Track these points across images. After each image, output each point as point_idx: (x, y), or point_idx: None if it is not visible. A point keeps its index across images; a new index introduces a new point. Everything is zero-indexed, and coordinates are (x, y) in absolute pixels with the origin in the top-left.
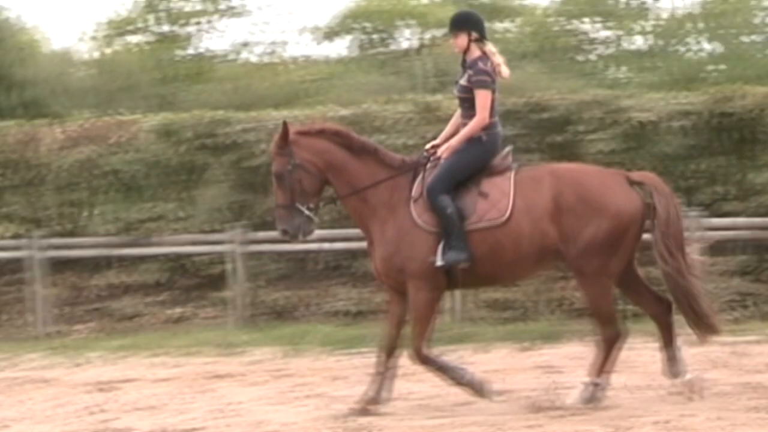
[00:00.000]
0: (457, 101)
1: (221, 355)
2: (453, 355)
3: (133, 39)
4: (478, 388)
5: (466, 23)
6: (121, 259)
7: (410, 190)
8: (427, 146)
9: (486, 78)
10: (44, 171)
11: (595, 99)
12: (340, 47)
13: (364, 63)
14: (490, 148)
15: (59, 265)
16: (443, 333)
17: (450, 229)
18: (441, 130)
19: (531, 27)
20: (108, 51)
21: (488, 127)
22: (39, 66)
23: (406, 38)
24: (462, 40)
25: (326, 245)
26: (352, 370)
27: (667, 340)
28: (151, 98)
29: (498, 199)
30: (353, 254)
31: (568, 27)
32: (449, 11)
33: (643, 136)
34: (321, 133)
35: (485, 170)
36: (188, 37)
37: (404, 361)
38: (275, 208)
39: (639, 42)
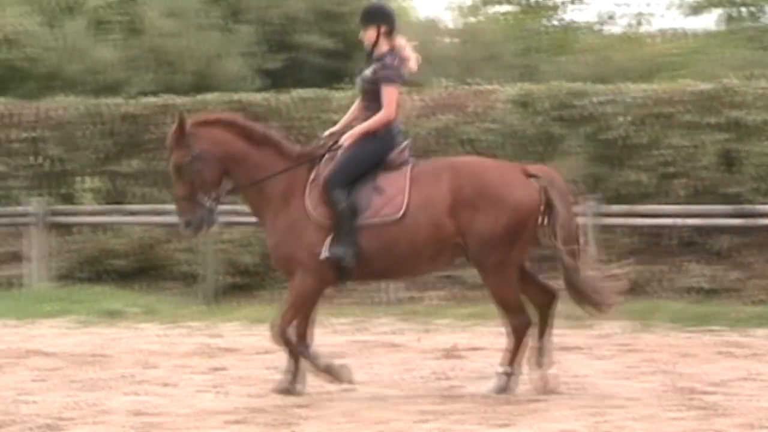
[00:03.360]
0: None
1: (569, 327)
2: None
3: (499, 9)
4: (335, 374)
5: (375, 17)
6: None
7: (306, 180)
8: (325, 134)
9: (393, 74)
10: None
11: None
12: (707, 21)
13: (730, 37)
14: (387, 142)
15: None
16: None
17: (340, 224)
18: None
19: None
20: (473, 20)
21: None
22: (403, 34)
23: None
24: (371, 33)
25: (680, 221)
26: (701, 348)
27: (543, 331)
28: (513, 68)
29: (393, 195)
30: (708, 231)
31: None
32: None
33: None
34: (218, 122)
35: (382, 165)
36: (554, 8)
37: (752, 341)
38: (176, 201)
39: None
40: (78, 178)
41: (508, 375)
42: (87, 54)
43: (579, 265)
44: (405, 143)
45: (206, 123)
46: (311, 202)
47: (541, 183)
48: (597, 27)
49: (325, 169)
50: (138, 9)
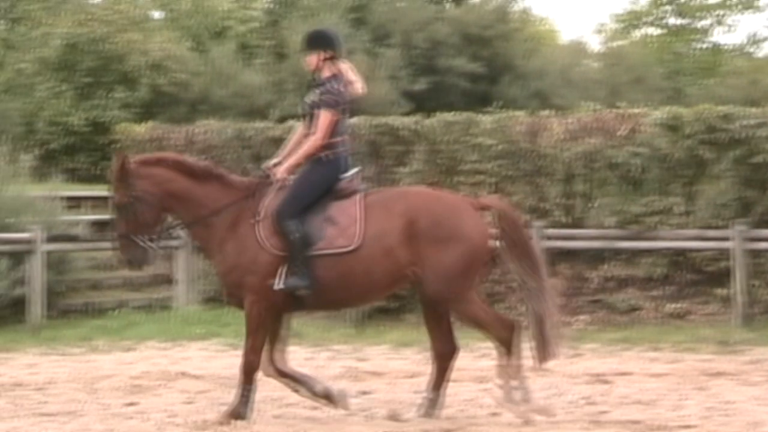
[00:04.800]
0: (305, 118)
1: (718, 352)
2: None
3: (644, 32)
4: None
5: (317, 43)
6: (620, 252)
7: (254, 210)
8: (267, 164)
9: (332, 99)
10: (548, 162)
11: None
12: None
13: None
14: (335, 167)
15: (559, 256)
16: None
17: (294, 254)
18: None
19: None
20: (618, 44)
21: (332, 147)
22: (548, 58)
23: None
24: (312, 59)
25: None
26: None
27: (438, 383)
28: (659, 92)
29: (347, 226)
30: None
31: None
32: None
33: None
34: (160, 162)
35: (332, 193)
36: (701, 31)
37: None
38: (116, 237)
39: None
40: None
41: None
42: (234, 78)
43: (548, 301)
44: (355, 170)
45: (148, 162)
46: (263, 233)
47: (492, 215)
48: (745, 50)
49: (274, 198)
50: (284, 33)
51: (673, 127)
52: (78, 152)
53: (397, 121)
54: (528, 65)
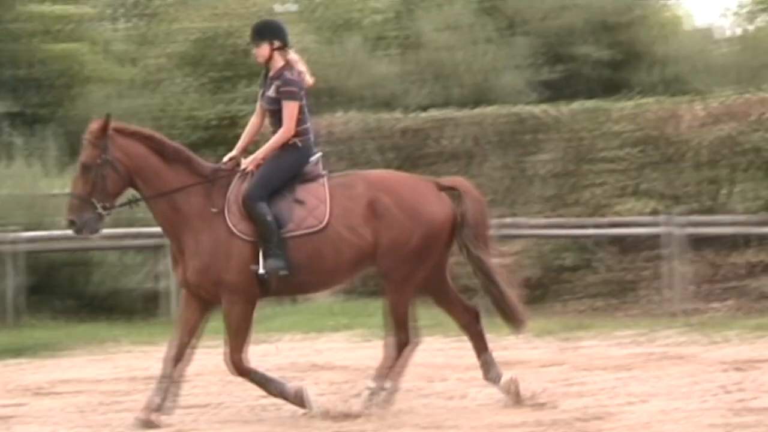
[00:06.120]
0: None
1: None
2: None
3: None
4: (296, 400)
5: (266, 32)
6: (761, 238)
7: (224, 199)
8: (225, 158)
9: (294, 89)
10: (684, 148)
11: None
12: None
13: None
14: (305, 153)
15: (697, 242)
16: None
17: (269, 237)
18: None
19: None
20: (751, 27)
21: (301, 134)
22: (680, 43)
23: None
24: (263, 50)
25: None
26: None
27: (480, 348)
28: None
29: (315, 206)
30: None
31: None
32: None
33: None
34: (135, 135)
35: (298, 177)
36: None
37: None
38: (69, 196)
39: None
40: None
41: (383, 389)
42: (365, 69)
43: (496, 276)
44: (317, 155)
45: (125, 132)
46: (232, 221)
47: (455, 195)
48: None
49: (240, 186)
50: (415, 24)
51: None
52: (209, 147)
53: (528, 110)
54: (661, 51)
